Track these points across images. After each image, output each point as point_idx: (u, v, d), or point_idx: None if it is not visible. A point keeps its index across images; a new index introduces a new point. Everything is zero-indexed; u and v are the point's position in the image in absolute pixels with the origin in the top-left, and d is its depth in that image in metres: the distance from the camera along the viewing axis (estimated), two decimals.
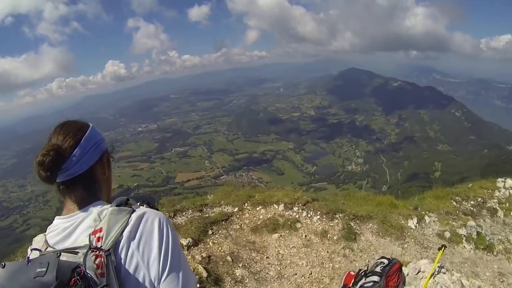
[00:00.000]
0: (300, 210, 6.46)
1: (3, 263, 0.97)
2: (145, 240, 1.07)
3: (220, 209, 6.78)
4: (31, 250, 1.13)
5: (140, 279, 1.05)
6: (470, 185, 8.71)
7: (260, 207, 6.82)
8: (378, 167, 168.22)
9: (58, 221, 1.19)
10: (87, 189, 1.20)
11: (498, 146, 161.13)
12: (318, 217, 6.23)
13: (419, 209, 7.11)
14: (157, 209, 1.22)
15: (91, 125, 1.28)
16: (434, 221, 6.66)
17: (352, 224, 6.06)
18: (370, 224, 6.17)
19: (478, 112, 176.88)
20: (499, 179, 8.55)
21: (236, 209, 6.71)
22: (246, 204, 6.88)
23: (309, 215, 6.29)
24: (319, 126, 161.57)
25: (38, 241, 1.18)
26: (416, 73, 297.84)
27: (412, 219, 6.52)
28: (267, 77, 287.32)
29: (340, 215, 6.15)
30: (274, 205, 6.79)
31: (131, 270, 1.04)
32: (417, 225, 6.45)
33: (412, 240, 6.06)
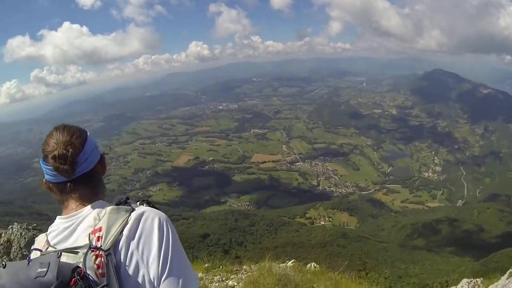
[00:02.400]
0: None
1: (4, 263, 0.99)
2: (145, 239, 1.08)
3: None
4: (32, 250, 1.17)
5: (140, 279, 1.06)
6: None
7: None
8: (457, 179, 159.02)
9: (59, 221, 1.20)
10: (90, 188, 1.23)
11: None
12: None
13: None
14: (157, 208, 1.24)
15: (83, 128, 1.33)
16: None
17: None
18: None
19: None
20: None
21: None
22: None
23: None
24: (399, 126, 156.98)
25: (40, 241, 1.20)
26: (509, 81, 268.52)
27: None
28: (350, 70, 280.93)
29: None
30: None
31: (131, 270, 1.05)
32: None
33: None
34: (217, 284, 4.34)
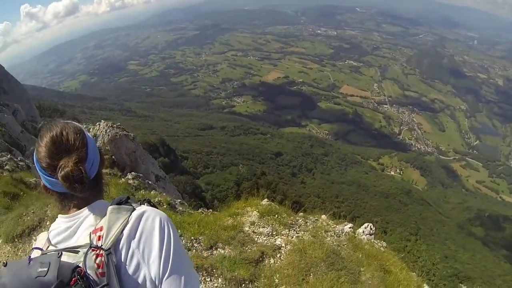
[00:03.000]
0: None
1: (5, 262, 0.99)
2: (146, 239, 1.07)
3: None
4: (33, 249, 1.18)
5: (141, 279, 1.05)
6: None
7: None
8: None
9: (60, 220, 1.20)
10: (94, 189, 1.20)
11: None
12: None
13: None
14: (157, 208, 1.22)
15: (81, 125, 1.23)
16: None
17: None
18: None
19: None
20: None
21: None
22: None
23: None
24: (502, 100, 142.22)
25: (41, 240, 1.22)
26: None
27: None
28: (462, 22, 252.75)
29: None
30: None
31: (131, 269, 1.05)
32: None
33: None
34: (265, 238, 4.09)
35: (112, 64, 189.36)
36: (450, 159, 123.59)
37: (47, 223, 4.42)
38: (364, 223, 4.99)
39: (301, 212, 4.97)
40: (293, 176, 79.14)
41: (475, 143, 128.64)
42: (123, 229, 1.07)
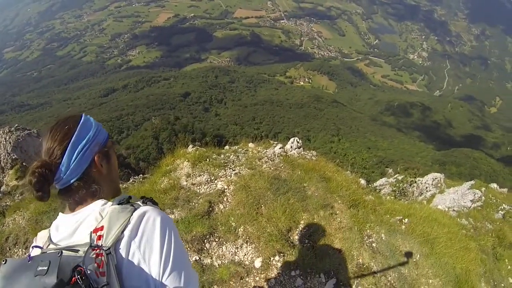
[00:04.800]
0: None
1: (4, 259, 0.97)
2: (147, 239, 1.06)
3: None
4: (33, 247, 1.13)
5: (141, 278, 1.04)
6: None
7: None
8: (439, 70, 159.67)
9: (61, 218, 1.17)
10: (85, 191, 1.16)
11: None
12: None
13: None
14: (159, 208, 1.21)
15: (81, 120, 1.18)
16: None
17: None
18: None
19: None
20: None
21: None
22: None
23: None
24: (394, 1, 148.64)
25: (41, 238, 1.17)
26: None
27: None
28: None
29: None
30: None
31: (132, 269, 1.03)
32: None
33: None
34: (206, 187, 3.87)
35: None
36: (354, 60, 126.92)
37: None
38: (286, 137, 4.45)
39: (226, 146, 4.91)
40: (206, 111, 78.51)
41: (375, 42, 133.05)
42: (124, 229, 1.05)
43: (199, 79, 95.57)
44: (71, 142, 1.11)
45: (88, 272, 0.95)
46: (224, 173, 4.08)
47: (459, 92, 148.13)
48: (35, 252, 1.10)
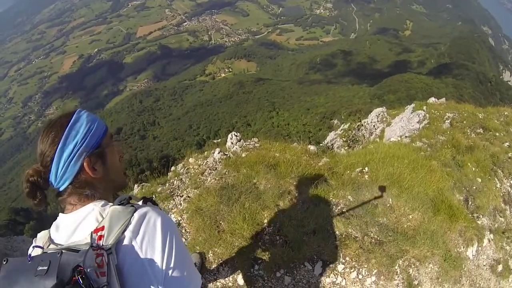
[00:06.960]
0: (348, 270, 3.24)
1: (6, 259, 0.96)
2: (148, 239, 1.05)
3: None
4: (33, 247, 1.12)
5: (142, 279, 1.03)
6: None
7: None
8: (348, 15, 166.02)
9: (61, 218, 1.16)
10: (81, 194, 1.15)
11: (472, 22, 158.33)
12: (374, 278, 3.26)
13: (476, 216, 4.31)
14: (160, 208, 1.21)
15: (71, 121, 1.13)
16: (490, 241, 4.14)
17: (411, 271, 3.50)
18: (430, 265, 3.68)
19: None
20: None
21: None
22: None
23: (359, 277, 3.26)
24: None
25: (41, 238, 1.16)
26: None
27: (472, 244, 3.92)
28: None
29: (400, 262, 3.44)
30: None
31: (133, 270, 1.02)
32: (475, 253, 3.95)
33: (468, 281, 3.73)
34: None
35: None
36: (265, 35, 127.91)
37: None
38: (228, 130, 4.73)
39: (172, 166, 4.68)
40: (143, 139, 76.81)
41: (280, 10, 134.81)
42: (125, 230, 1.05)
43: (125, 111, 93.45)
44: (57, 149, 1.09)
45: (89, 272, 0.94)
46: (174, 203, 3.83)
47: (372, 28, 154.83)
48: (35, 252, 1.09)
